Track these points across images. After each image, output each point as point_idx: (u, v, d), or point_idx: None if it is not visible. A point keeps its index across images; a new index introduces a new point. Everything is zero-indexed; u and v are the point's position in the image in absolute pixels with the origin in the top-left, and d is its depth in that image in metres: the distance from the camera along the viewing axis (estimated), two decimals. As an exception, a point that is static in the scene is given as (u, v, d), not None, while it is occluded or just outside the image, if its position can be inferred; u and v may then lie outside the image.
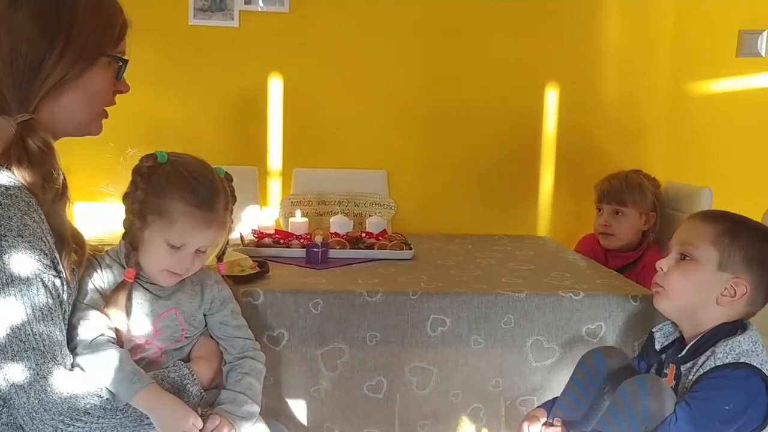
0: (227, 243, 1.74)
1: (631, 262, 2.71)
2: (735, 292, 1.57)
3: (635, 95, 3.13)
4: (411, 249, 2.46)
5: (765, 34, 2.96)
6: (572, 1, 3.09)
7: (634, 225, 2.69)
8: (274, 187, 3.09)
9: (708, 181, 2.85)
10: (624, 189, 2.70)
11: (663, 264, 1.64)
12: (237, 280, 1.98)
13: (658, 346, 1.74)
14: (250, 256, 2.19)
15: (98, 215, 2.38)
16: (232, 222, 1.69)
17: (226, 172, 1.67)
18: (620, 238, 2.69)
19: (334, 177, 3.08)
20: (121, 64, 1.56)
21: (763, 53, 2.96)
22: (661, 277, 1.65)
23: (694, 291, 1.60)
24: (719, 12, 2.99)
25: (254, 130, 3.06)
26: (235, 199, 1.68)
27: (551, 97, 3.12)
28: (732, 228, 1.58)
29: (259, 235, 2.45)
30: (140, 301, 1.57)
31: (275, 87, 3.04)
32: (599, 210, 2.76)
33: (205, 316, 1.67)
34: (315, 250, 2.32)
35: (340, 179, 3.08)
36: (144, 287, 1.58)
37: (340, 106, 3.08)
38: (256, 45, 3.03)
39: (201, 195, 1.54)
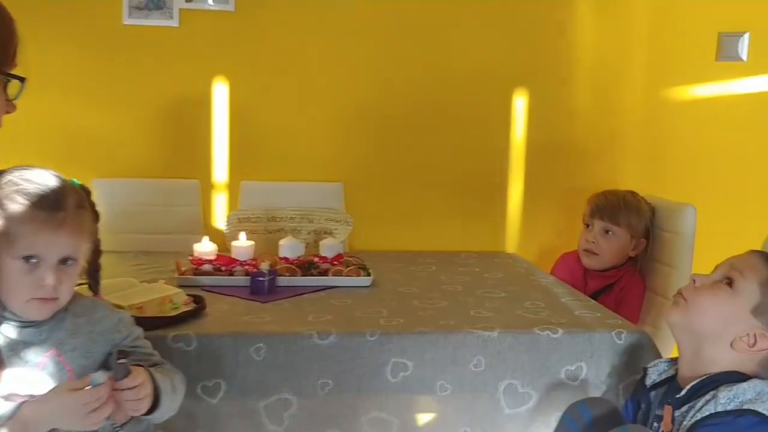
0: (98, 262, 1.46)
1: (611, 284, 2.49)
2: (755, 343, 1.36)
3: (609, 103, 2.92)
4: (369, 275, 2.21)
5: (746, 36, 2.77)
6: (543, 5, 2.87)
7: (622, 248, 2.46)
8: (220, 203, 2.82)
9: (687, 195, 2.65)
10: (621, 207, 2.47)
11: (698, 278, 1.44)
12: (167, 321, 1.72)
13: (648, 383, 1.53)
14: (184, 288, 1.92)
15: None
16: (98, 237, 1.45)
17: (81, 185, 1.42)
18: (604, 258, 2.47)
19: (286, 190, 2.82)
20: (11, 81, 1.31)
21: (744, 57, 2.78)
22: (689, 290, 1.45)
23: (716, 319, 1.41)
24: (698, 14, 2.80)
25: (196, 139, 2.79)
26: (97, 215, 1.44)
27: (520, 105, 2.90)
28: None
29: (197, 261, 2.18)
30: (10, 353, 1.31)
31: (220, 93, 2.77)
32: (588, 225, 2.54)
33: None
34: (260, 279, 2.07)
35: (291, 193, 2.82)
36: (12, 338, 1.32)
37: (292, 114, 2.82)
38: (199, 47, 2.75)
39: (40, 194, 1.32)
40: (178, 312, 1.78)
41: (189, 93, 2.77)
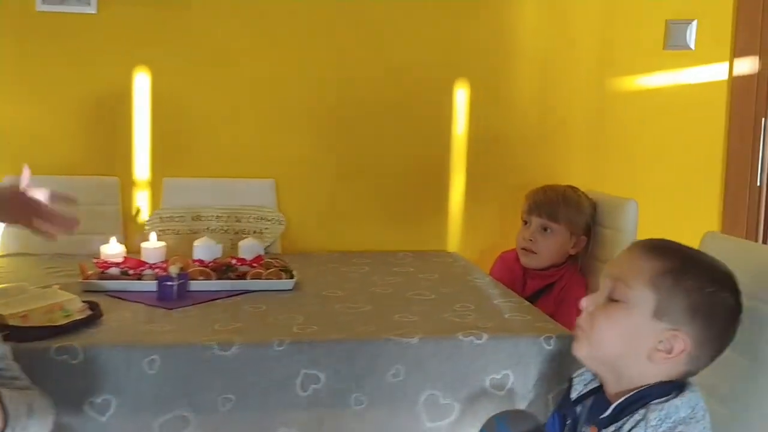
0: None
1: (552, 283, 2.37)
2: (672, 348, 1.22)
3: (554, 94, 2.80)
4: (292, 277, 2.06)
5: (694, 24, 2.67)
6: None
7: (561, 245, 2.34)
8: (141, 201, 2.65)
9: (633, 189, 2.54)
10: (560, 203, 2.34)
11: (588, 302, 1.29)
12: (54, 331, 1.56)
13: (574, 395, 1.40)
14: (89, 294, 1.76)
15: None
16: None
17: None
18: (543, 257, 2.34)
19: (213, 187, 2.66)
20: None
21: (692, 45, 2.68)
22: (584, 319, 1.30)
23: (621, 341, 1.26)
24: (645, 0, 2.69)
25: (116, 134, 2.62)
26: None
27: (461, 98, 2.76)
28: (678, 267, 1.24)
29: (102, 264, 2.01)
30: None
31: (141, 84, 2.60)
32: (525, 223, 2.41)
33: None
34: (168, 284, 1.91)
35: (219, 190, 2.66)
36: None
37: (220, 106, 2.66)
38: (118, 35, 2.58)
39: None
40: (68, 321, 1.62)
41: (108, 84, 2.60)
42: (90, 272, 2.01)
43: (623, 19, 2.73)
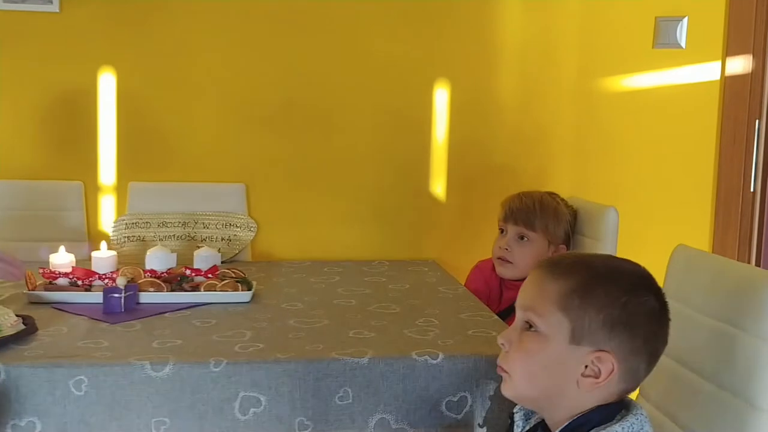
0: None
1: (530, 294, 2.24)
2: (599, 371, 1.10)
3: (535, 96, 2.68)
4: (249, 289, 1.95)
5: (685, 21, 2.55)
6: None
7: (538, 255, 2.20)
8: (106, 206, 2.55)
9: (619, 196, 2.42)
10: (536, 211, 2.20)
11: (503, 339, 1.17)
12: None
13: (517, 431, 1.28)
14: (35, 305, 1.66)
15: None
16: None
17: None
18: (519, 267, 2.21)
19: (180, 192, 2.57)
20: None
21: (683, 44, 2.55)
22: (503, 358, 1.18)
23: (544, 375, 1.14)
24: (633, -4, 2.57)
25: (80, 137, 2.53)
26: None
27: (441, 100, 2.65)
28: (583, 283, 1.11)
29: (49, 274, 1.91)
30: None
31: (106, 85, 2.51)
32: (502, 231, 2.28)
33: None
34: (115, 296, 1.80)
35: (187, 195, 2.56)
36: None
37: (188, 108, 2.56)
38: (82, 34, 2.49)
39: None
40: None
41: (72, 85, 2.50)
42: (39, 282, 1.91)
43: (610, 17, 2.61)
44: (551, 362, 1.12)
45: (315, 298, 2.02)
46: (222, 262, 2.44)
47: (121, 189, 2.55)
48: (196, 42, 2.53)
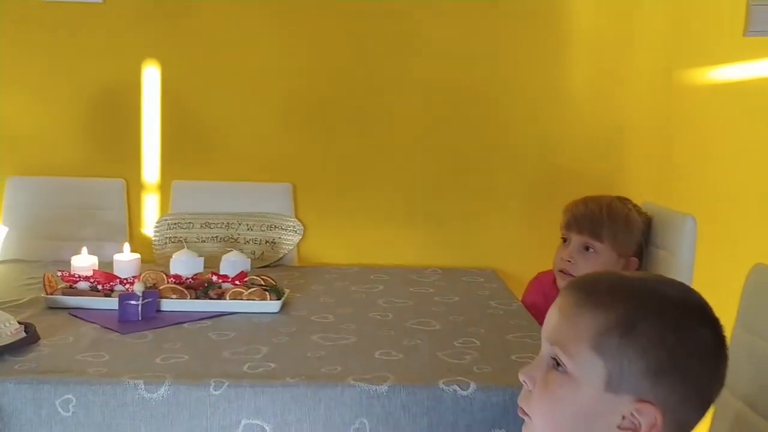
0: None
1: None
2: (638, 425, 0.88)
3: (609, 89, 2.42)
4: (278, 298, 1.80)
5: (783, 5, 2.22)
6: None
7: (605, 268, 1.95)
8: (150, 205, 2.45)
9: (703, 204, 2.14)
10: (604, 218, 1.94)
11: (527, 375, 0.96)
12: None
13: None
14: (53, 311, 1.55)
15: None
16: None
17: None
18: (583, 282, 1.96)
19: (225, 192, 2.44)
20: None
21: (779, 31, 2.23)
22: (524, 399, 0.97)
23: (571, 425, 0.92)
24: (721, -23, 2.27)
25: (123, 133, 2.43)
26: None
27: (502, 94, 2.43)
28: (624, 317, 0.89)
29: (69, 278, 1.81)
30: None
31: (150, 79, 2.40)
32: (564, 240, 2.03)
33: None
34: (131, 303, 1.68)
35: (231, 195, 2.43)
36: None
37: (234, 103, 2.43)
38: (126, 26, 2.39)
39: None
40: (-15, 349, 1.41)
41: (115, 79, 2.41)
42: (61, 286, 1.81)
43: (694, 1, 2.32)
44: (581, 411, 0.91)
45: (350, 310, 1.85)
46: (266, 266, 2.33)
47: (164, 187, 2.44)
48: (244, 34, 2.39)
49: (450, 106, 2.44)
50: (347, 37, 2.40)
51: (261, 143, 2.44)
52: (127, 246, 1.90)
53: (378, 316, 1.80)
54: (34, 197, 2.39)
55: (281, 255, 2.38)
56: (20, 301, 1.80)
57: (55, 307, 1.76)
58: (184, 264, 1.85)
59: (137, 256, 1.87)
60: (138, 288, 1.70)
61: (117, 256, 1.86)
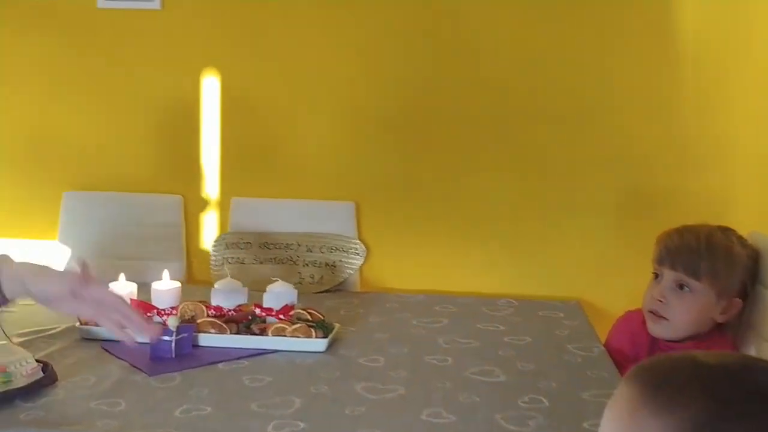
0: None
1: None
2: None
3: (714, 99, 2.11)
4: (325, 336, 1.62)
5: None
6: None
7: (702, 311, 1.67)
8: (209, 223, 2.32)
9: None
10: (702, 252, 1.66)
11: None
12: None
13: None
14: (87, 342, 1.43)
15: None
16: None
17: None
18: (677, 325, 1.69)
19: (284, 210, 2.28)
20: None
21: None
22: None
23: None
24: None
25: (181, 145, 2.31)
26: None
27: (592, 103, 2.17)
28: (701, 425, 0.65)
29: (104, 308, 1.68)
30: None
31: (210, 89, 2.27)
32: (656, 276, 1.76)
33: None
34: (164, 339, 1.54)
35: (291, 213, 2.27)
36: None
37: (296, 115, 2.27)
38: (184, 34, 2.26)
39: None
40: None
41: (173, 90, 2.28)
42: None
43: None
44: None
45: (405, 350, 1.65)
46: (325, 291, 2.17)
47: (223, 204, 2.30)
48: (308, 43, 2.23)
49: (529, 118, 2.20)
50: (416, 43, 2.20)
51: (323, 158, 2.27)
52: (166, 273, 1.76)
53: (435, 361, 1.59)
54: (90, 213, 2.30)
55: (342, 279, 2.20)
56: (55, 330, 1.70)
57: (88, 338, 1.64)
58: (226, 294, 1.69)
59: (177, 284, 1.73)
60: (172, 323, 1.56)
61: (155, 285, 1.73)
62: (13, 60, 2.28)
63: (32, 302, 1.93)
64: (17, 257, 1.34)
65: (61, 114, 2.30)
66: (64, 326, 1.71)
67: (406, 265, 2.26)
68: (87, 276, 1.24)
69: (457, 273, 2.25)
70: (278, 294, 1.69)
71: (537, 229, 2.23)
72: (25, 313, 1.83)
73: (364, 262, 2.23)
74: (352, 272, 2.22)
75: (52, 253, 2.28)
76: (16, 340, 1.52)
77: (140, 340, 1.35)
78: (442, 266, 2.25)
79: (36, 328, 1.70)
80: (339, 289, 2.20)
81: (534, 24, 2.16)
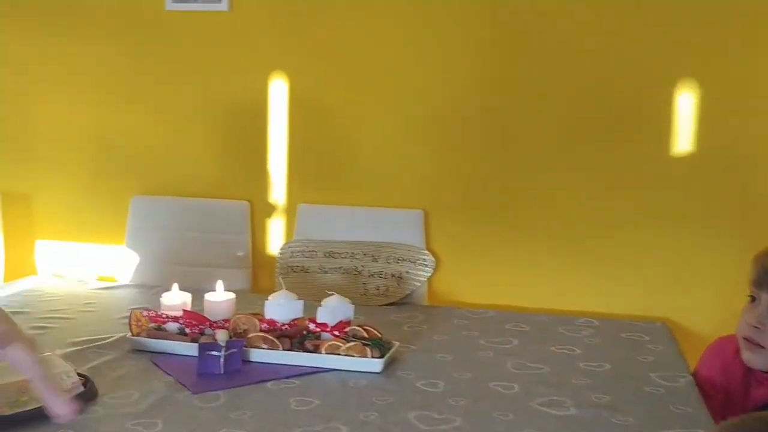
0: None
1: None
2: None
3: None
4: (381, 356, 1.51)
5: None
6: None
7: None
8: (275, 230, 2.25)
9: None
10: None
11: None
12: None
13: None
14: (138, 354, 1.38)
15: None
16: None
17: None
18: (774, 356, 1.51)
19: (351, 217, 2.19)
20: None
21: None
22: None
23: None
24: None
25: (248, 150, 2.25)
26: None
27: (686, 105, 1.99)
28: None
29: (156, 317, 1.63)
30: None
31: (277, 92, 2.20)
32: (753, 299, 1.57)
33: None
34: (213, 354, 1.47)
35: (358, 221, 2.18)
36: None
37: (365, 119, 2.18)
38: (252, 36, 2.21)
39: None
40: (34, 407, 1.24)
41: (241, 93, 2.23)
42: (151, 325, 1.63)
43: None
44: None
45: (468, 374, 1.52)
46: (390, 304, 2.06)
47: (290, 210, 2.23)
48: (378, 46, 2.13)
49: (613, 125, 2.03)
50: (492, 44, 2.07)
51: (392, 164, 2.16)
52: (220, 284, 1.69)
53: (500, 388, 1.46)
54: (157, 218, 2.27)
55: (408, 291, 2.09)
56: (108, 340, 1.65)
57: (139, 350, 1.59)
58: (280, 308, 1.61)
59: (231, 296, 1.66)
60: (221, 337, 1.49)
61: (208, 296, 1.66)
62: (81, 65, 2.27)
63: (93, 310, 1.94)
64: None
65: (129, 118, 2.28)
66: (117, 336, 1.67)
67: (477, 277, 2.14)
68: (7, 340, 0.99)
69: (533, 287, 2.11)
70: (333, 308, 1.59)
71: (622, 242, 2.06)
72: (80, 321, 1.82)
73: (433, 273, 2.11)
74: (419, 284, 2.10)
75: (120, 257, 2.26)
76: (64, 351, 1.47)
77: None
78: (516, 280, 2.12)
79: (88, 337, 1.67)
80: (405, 302, 2.09)
81: (623, 27, 2.00)
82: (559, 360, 1.63)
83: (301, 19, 2.17)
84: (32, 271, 2.35)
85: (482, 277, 2.13)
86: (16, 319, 1.78)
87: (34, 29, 2.29)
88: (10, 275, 2.28)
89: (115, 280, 2.28)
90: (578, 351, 1.70)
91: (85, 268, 2.33)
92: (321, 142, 2.20)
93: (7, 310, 1.84)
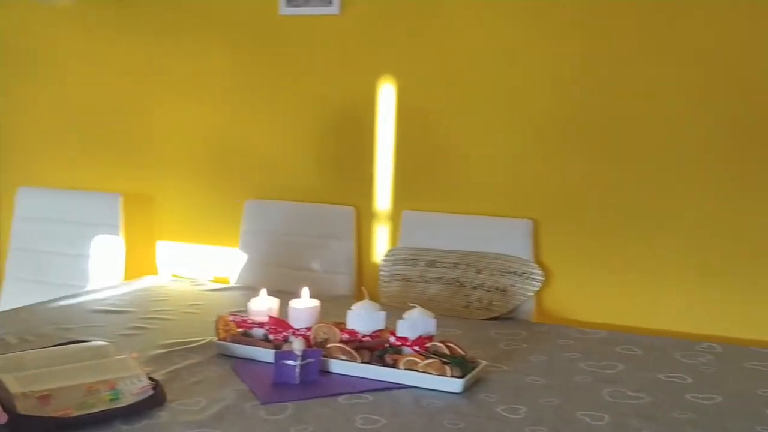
0: None
1: None
2: None
3: None
4: (462, 376, 1.42)
5: None
6: None
7: None
8: (380, 236, 2.21)
9: None
10: None
11: None
12: (53, 424, 1.20)
13: None
14: (223, 358, 1.38)
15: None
16: None
17: None
18: None
19: (455, 226, 2.12)
20: None
21: None
22: None
23: None
24: None
25: (355, 155, 2.22)
26: None
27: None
28: None
29: (242, 323, 1.62)
30: None
31: (385, 97, 2.16)
32: None
33: None
34: (288, 363, 1.44)
35: (463, 230, 2.10)
36: None
37: (472, 126, 2.10)
38: (362, 40, 2.19)
39: None
40: (100, 409, 1.26)
41: (350, 98, 2.21)
42: (237, 331, 1.63)
43: None
44: None
45: (557, 401, 1.40)
46: (493, 318, 1.96)
47: (395, 216, 2.19)
48: (487, 52, 2.05)
49: (744, 129, 1.82)
50: (606, 43, 1.93)
51: (499, 171, 2.07)
52: (306, 291, 1.66)
53: (587, 418, 1.32)
54: (269, 222, 2.30)
55: (513, 306, 1.98)
56: (197, 343, 1.67)
57: (225, 354, 1.59)
58: (361, 318, 1.55)
59: (316, 303, 1.62)
60: (297, 346, 1.45)
61: (293, 303, 1.63)
62: (196, 71, 2.34)
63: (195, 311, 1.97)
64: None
65: (244, 124, 2.32)
66: (206, 339, 1.68)
67: (590, 294, 1.99)
68: None
69: (651, 306, 1.94)
70: (414, 322, 1.51)
71: (748, 258, 1.85)
72: (180, 322, 1.86)
73: (542, 288, 1.99)
74: (525, 299, 1.98)
75: (235, 259, 2.30)
76: (153, 353, 1.50)
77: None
78: (634, 299, 1.96)
79: (180, 339, 1.69)
80: (510, 317, 1.98)
81: (751, 25, 1.79)
82: (664, 389, 1.47)
83: (410, 24, 2.12)
84: (153, 271, 2.45)
85: (596, 294, 1.98)
86: (118, 318, 1.86)
87: (156, 41, 2.38)
88: (133, 274, 2.38)
89: (230, 282, 2.32)
90: (689, 380, 1.53)
91: (201, 269, 2.39)
92: (427, 147, 2.14)
93: (111, 308, 1.92)
